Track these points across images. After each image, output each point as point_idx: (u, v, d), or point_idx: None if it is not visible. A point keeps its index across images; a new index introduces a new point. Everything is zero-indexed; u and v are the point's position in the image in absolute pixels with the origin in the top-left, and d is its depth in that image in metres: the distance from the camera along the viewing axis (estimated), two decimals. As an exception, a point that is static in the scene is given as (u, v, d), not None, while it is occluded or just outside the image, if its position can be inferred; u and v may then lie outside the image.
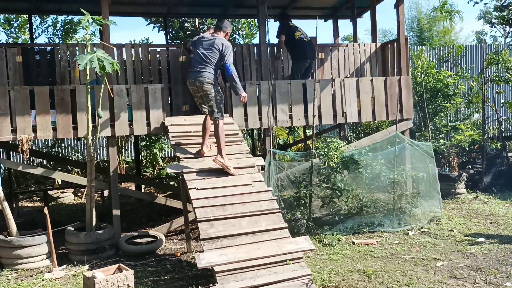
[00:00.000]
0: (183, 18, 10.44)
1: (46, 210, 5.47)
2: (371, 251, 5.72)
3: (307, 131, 10.71)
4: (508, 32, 12.28)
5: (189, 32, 10.47)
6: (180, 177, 5.65)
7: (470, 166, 9.95)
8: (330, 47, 8.48)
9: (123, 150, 11.63)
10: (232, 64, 5.67)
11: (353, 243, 6.08)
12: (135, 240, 6.29)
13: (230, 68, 5.62)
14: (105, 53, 5.59)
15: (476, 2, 11.86)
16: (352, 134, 11.84)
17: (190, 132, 6.26)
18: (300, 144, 11.31)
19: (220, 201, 5.18)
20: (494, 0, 11.85)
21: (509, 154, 10.42)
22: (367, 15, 9.44)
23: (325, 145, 6.79)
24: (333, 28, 9.97)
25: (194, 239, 6.41)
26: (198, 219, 4.89)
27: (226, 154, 5.70)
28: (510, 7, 11.32)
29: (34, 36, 10.11)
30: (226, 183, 5.48)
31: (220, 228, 4.86)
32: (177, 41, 10.37)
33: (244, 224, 4.92)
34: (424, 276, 4.85)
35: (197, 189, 5.27)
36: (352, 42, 10.00)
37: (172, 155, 12.21)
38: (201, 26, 10.60)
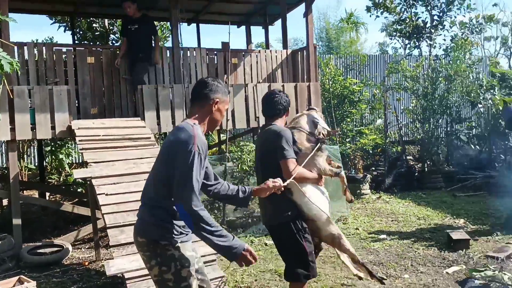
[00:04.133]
0: (91, 18, 10.04)
1: None
2: (283, 251, 5.87)
3: (221, 135, 10.76)
4: (406, 44, 13.24)
5: (98, 33, 10.09)
6: (88, 182, 5.42)
7: (373, 168, 10.61)
8: (243, 53, 8.61)
9: (25, 155, 10.89)
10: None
11: (266, 244, 6.20)
12: (39, 251, 5.91)
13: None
14: (4, 51, 5.21)
15: (377, 16, 12.69)
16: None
17: (99, 135, 6.03)
18: (214, 149, 11.32)
19: (132, 206, 5.01)
20: (393, 15, 12.75)
21: (408, 157, 11.27)
22: (279, 23, 9.74)
23: (239, 149, 6.89)
24: (246, 34, 10.16)
25: (104, 247, 6.17)
26: (107, 226, 4.71)
27: (138, 158, 5.57)
28: (407, 21, 12.25)
29: None
30: (138, 187, 5.31)
31: (131, 234, 4.66)
32: (85, 41, 9.95)
33: (156, 229, 4.81)
34: (331, 272, 5.08)
35: (107, 194, 5.07)
36: (265, 48, 10.25)
37: (81, 161, 11.66)
38: (110, 27, 10.26)
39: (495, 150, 11.25)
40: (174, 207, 2.59)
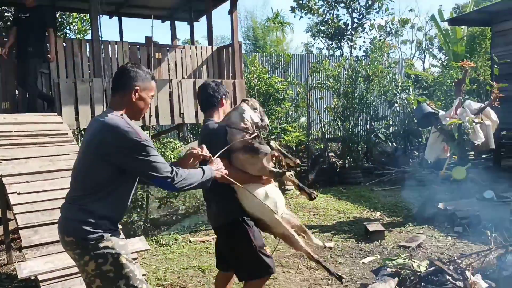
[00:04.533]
0: (3, 7, 9.41)
1: None
2: (207, 248, 5.86)
3: (146, 132, 10.53)
4: (329, 45, 13.71)
5: (10, 23, 9.48)
6: (-2, 181, 5.08)
7: (297, 165, 10.86)
8: (168, 48, 8.49)
9: None
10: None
11: (190, 241, 6.16)
12: None
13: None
14: None
15: (302, 17, 13.06)
16: (192, 135, 11.99)
17: (11, 131, 5.66)
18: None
19: (46, 205, 4.77)
20: (316, 16, 13.15)
21: (330, 154, 11.67)
22: (204, 19, 9.68)
23: (162, 146, 6.78)
24: (171, 29, 10.03)
25: (17, 249, 5.83)
26: (19, 226, 4.45)
27: (54, 155, 5.31)
28: (330, 23, 12.68)
29: None
30: (54, 185, 5.07)
31: (45, 234, 4.47)
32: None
33: (73, 228, 4.62)
34: (255, 267, 5.14)
35: (19, 193, 4.78)
36: (190, 44, 10.15)
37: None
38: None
39: (409, 147, 11.97)
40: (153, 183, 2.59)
